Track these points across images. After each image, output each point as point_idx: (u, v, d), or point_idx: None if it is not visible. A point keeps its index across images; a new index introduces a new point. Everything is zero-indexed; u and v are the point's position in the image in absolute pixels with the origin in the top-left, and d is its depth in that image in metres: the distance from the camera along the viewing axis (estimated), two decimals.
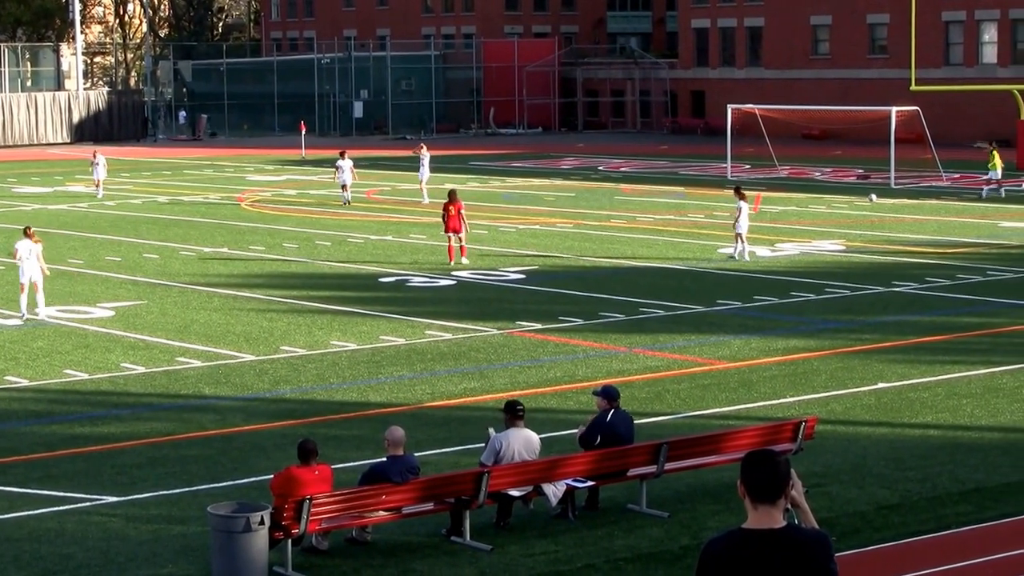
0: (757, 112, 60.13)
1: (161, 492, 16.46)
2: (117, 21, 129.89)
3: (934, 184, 52.70)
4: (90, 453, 18.19)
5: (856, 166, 60.61)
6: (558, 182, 55.91)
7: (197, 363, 23.33)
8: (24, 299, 27.42)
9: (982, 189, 48.68)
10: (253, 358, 23.71)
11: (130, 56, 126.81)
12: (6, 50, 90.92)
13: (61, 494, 16.41)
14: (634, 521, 15.32)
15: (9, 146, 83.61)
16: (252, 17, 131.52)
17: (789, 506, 6.64)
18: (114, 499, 16.23)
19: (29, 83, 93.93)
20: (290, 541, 13.89)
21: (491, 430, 15.58)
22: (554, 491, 15.15)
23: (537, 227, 41.13)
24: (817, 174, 58.40)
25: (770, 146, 59.25)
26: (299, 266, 34.32)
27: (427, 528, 15.05)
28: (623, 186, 53.97)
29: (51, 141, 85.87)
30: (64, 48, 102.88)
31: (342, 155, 48.23)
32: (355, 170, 48.90)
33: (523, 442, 15.32)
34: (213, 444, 18.57)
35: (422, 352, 24.12)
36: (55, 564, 14.24)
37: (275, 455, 17.50)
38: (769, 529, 6.52)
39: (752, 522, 6.56)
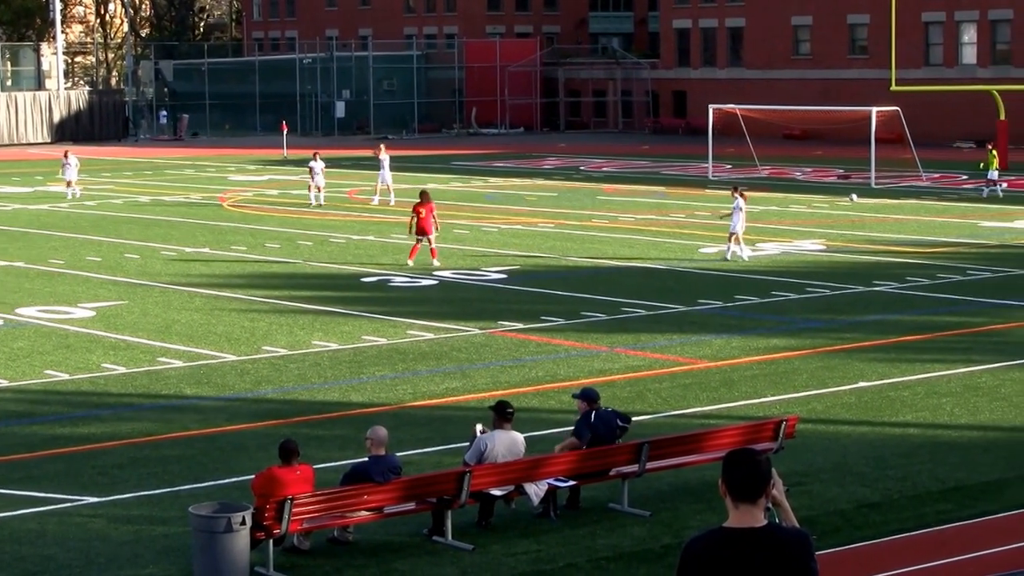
0: (738, 112, 60.22)
1: (142, 492, 16.42)
2: (98, 21, 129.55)
3: (914, 184, 52.86)
4: (71, 454, 18.14)
5: (837, 166, 60.79)
6: (540, 182, 55.93)
7: (178, 363, 23.29)
8: None
9: (983, 188, 48.87)
10: (235, 358, 23.68)
11: (111, 56, 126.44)
12: None
13: (42, 495, 16.36)
14: (616, 520, 15.35)
15: None
16: (234, 17, 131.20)
17: (770, 505, 6.66)
18: (95, 500, 16.19)
19: (9, 83, 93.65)
20: (272, 541, 13.89)
21: (479, 427, 15.58)
22: (536, 490, 15.16)
23: (519, 227, 41.15)
24: (798, 174, 58.52)
25: (751, 146, 59.35)
26: (281, 266, 34.29)
27: (409, 528, 15.05)
28: (605, 186, 54.02)
29: (31, 141, 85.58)
30: (45, 48, 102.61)
31: (315, 156, 48.11)
32: (325, 171, 48.63)
33: (508, 445, 15.32)
34: (194, 444, 18.54)
35: (404, 352, 24.11)
36: (36, 565, 14.20)
37: (257, 455, 17.48)
38: (750, 528, 6.54)
39: (733, 521, 6.58)
